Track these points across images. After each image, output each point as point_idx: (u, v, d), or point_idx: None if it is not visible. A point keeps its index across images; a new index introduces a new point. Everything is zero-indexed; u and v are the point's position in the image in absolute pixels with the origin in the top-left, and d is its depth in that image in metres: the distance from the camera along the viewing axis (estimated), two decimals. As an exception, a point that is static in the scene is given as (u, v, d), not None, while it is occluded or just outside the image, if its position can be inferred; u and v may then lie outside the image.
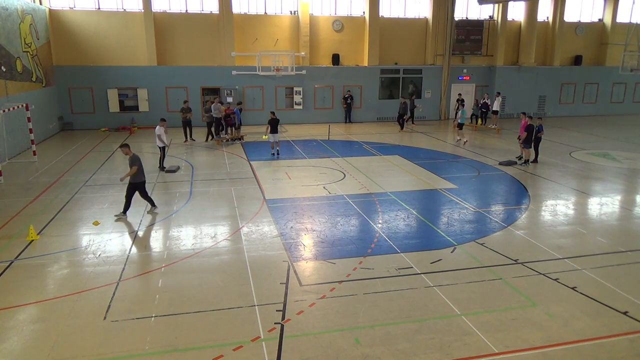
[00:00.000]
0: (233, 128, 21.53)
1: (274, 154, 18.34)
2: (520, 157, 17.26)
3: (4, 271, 8.45)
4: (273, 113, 18.34)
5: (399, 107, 25.21)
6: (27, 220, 10.81)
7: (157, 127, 15.70)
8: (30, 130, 17.50)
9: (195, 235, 10.24)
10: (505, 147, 19.98)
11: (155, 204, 11.72)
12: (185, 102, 21.66)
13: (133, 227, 10.65)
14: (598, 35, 31.16)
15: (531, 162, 16.98)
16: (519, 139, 17.08)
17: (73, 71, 23.85)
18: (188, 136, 21.21)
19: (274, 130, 18.06)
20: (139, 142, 21.18)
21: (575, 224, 11.10)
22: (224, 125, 21.37)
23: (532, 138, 16.60)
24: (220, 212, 11.68)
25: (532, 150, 16.90)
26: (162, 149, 15.89)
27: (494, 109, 24.74)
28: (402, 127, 24.80)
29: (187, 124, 20.92)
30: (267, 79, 25.96)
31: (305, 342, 6.36)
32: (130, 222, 10.92)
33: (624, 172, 16.07)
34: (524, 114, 17.89)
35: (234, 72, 25.39)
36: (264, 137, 19.27)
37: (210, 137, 21.33)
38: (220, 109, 20.94)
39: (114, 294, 7.65)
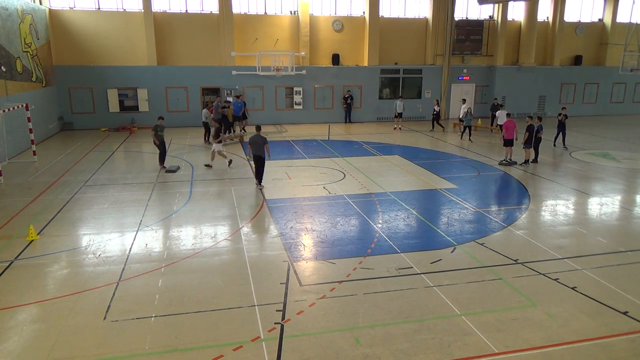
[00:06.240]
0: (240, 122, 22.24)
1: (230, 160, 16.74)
2: (506, 159, 17.09)
3: (4, 271, 8.45)
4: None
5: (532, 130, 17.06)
6: (27, 220, 10.80)
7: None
8: (30, 130, 17.50)
9: (195, 235, 10.23)
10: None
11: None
12: (160, 118, 16.95)
13: (133, 227, 10.65)
14: (598, 35, 31.16)
15: (531, 162, 16.98)
16: (523, 141, 16.91)
17: (73, 71, 23.84)
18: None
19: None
20: (139, 142, 21.20)
21: (575, 224, 11.10)
22: (231, 126, 21.78)
23: (532, 138, 16.60)
24: (220, 212, 11.68)
25: (532, 150, 16.90)
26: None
27: (460, 117, 22.85)
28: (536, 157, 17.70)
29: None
30: (267, 79, 25.95)
31: (305, 342, 6.35)
32: (130, 222, 10.92)
33: (624, 172, 16.07)
34: (508, 114, 19.14)
35: (234, 72, 25.38)
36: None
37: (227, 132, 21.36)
38: (218, 109, 20.94)
39: (114, 294, 7.65)
